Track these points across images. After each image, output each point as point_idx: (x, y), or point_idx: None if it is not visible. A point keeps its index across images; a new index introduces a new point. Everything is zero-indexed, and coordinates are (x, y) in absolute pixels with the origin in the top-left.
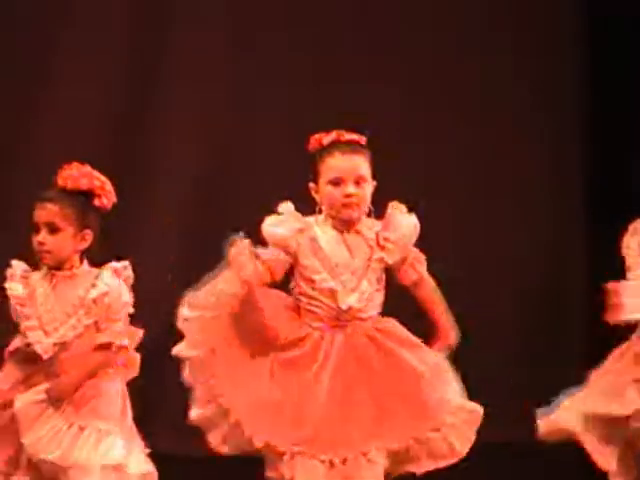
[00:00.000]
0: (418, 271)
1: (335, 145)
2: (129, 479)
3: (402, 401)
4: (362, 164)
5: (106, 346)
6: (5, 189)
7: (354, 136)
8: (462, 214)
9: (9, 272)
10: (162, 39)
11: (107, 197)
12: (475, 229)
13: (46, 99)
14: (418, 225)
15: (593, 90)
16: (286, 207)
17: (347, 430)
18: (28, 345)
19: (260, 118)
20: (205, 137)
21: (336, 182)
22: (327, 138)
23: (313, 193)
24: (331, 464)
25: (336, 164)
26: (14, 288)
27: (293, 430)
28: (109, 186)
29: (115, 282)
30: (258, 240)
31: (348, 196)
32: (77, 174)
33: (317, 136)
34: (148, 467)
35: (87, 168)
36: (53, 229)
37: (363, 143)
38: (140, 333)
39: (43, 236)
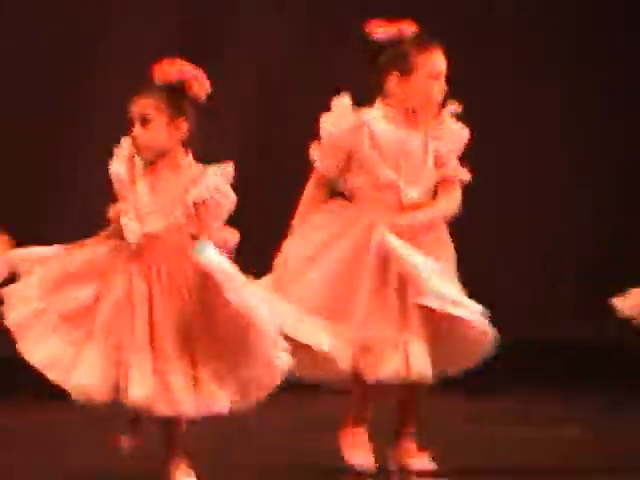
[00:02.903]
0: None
1: (423, 38)
2: None
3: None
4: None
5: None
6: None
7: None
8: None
9: (116, 150)
10: None
11: (199, 86)
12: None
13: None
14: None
15: None
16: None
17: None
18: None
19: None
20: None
21: (437, 77)
22: (409, 28)
23: (392, 84)
24: None
25: (438, 59)
26: (116, 168)
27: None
28: (201, 75)
29: (221, 181)
30: None
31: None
32: (167, 67)
33: (393, 24)
34: None
35: (178, 60)
36: (144, 121)
37: None
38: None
39: (136, 129)
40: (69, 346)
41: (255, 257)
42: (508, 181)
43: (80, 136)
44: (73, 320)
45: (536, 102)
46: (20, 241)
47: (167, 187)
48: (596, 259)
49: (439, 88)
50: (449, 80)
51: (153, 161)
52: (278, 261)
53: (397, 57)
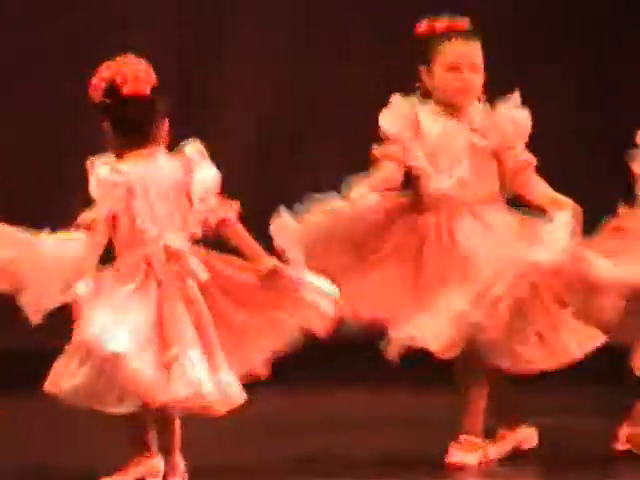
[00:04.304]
0: (520, 159)
1: (451, 31)
2: None
3: None
4: (477, 51)
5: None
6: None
7: (466, 22)
8: None
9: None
10: None
11: (129, 83)
12: None
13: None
14: (527, 119)
15: None
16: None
17: None
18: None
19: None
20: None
21: (452, 67)
22: (440, 24)
23: (423, 77)
24: None
25: (453, 49)
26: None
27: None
28: (136, 73)
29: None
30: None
31: (463, 81)
32: (103, 69)
33: (428, 21)
34: None
35: (119, 60)
36: None
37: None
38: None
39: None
40: None
41: None
42: None
43: (80, 136)
44: None
45: (536, 102)
46: None
47: None
48: None
49: (456, 78)
50: None
51: None
52: None
53: (423, 50)
